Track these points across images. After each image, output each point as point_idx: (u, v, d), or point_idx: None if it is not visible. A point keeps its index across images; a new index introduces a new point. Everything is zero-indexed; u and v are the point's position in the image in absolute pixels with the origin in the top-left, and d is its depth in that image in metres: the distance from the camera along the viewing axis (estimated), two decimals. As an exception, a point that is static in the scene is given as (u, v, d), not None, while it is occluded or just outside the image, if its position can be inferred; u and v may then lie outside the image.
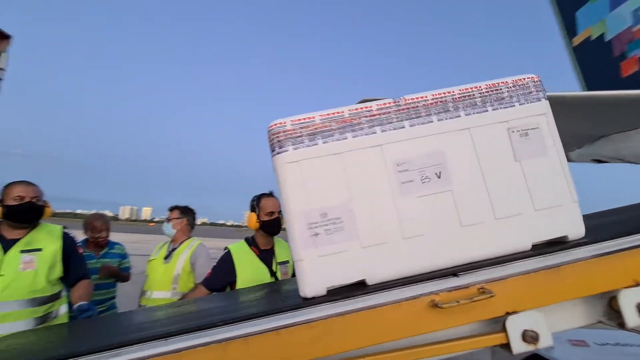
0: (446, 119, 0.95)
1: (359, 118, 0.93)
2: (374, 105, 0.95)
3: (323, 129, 0.91)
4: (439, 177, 0.92)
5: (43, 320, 1.64)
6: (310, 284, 0.86)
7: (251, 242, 1.98)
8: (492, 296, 0.77)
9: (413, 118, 0.94)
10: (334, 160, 0.90)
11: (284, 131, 0.90)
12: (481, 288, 0.80)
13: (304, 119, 0.92)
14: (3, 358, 0.98)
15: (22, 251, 1.63)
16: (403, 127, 0.94)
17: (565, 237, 0.93)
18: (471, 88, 0.97)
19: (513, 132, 0.95)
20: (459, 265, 0.90)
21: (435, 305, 0.78)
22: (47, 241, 1.72)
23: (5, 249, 1.61)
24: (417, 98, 0.96)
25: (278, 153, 0.90)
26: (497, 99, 0.97)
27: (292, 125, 0.91)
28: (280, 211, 1.93)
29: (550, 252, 0.88)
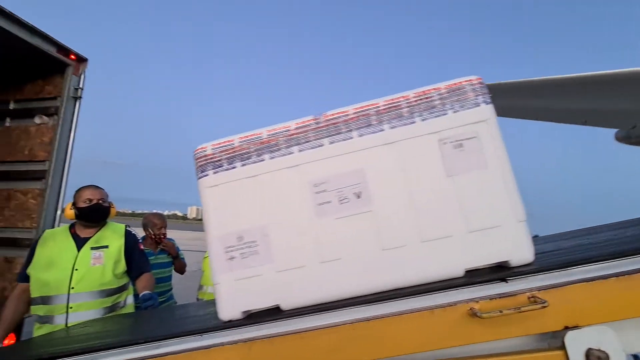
0: (368, 133, 0.87)
1: (277, 138, 0.91)
2: (292, 124, 0.91)
3: (241, 151, 0.91)
4: (359, 197, 0.85)
5: (112, 309, 1.87)
6: (226, 308, 0.88)
7: None
8: (545, 306, 0.68)
9: (333, 135, 0.88)
10: (250, 183, 0.90)
11: (205, 156, 0.93)
12: (532, 297, 0.71)
13: (224, 142, 0.93)
14: (78, 342, 1.08)
15: (92, 248, 1.93)
16: (322, 146, 0.88)
17: (506, 262, 0.81)
18: (398, 98, 0.87)
19: (445, 143, 0.84)
20: (379, 293, 0.82)
21: (474, 314, 0.71)
22: (112, 238, 1.99)
23: (79, 247, 1.92)
24: (337, 113, 0.90)
25: (200, 177, 0.93)
26: (427, 108, 0.86)
27: (212, 149, 0.93)
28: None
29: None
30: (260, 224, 0.89)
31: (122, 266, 1.95)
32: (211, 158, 0.93)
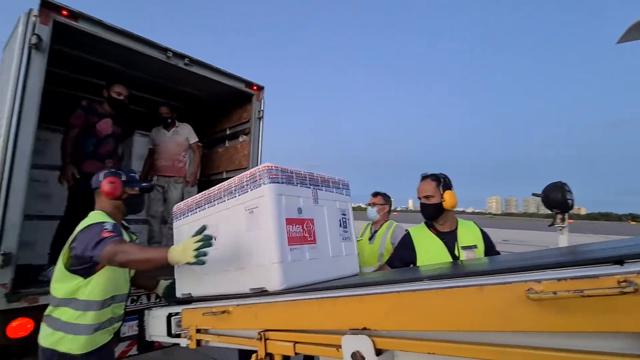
0: (218, 203, 1.54)
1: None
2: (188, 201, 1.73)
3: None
4: (216, 240, 1.39)
5: None
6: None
7: (430, 224, 1.97)
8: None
9: (211, 202, 1.59)
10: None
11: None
12: (624, 280, 0.53)
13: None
14: None
15: None
16: (205, 209, 1.61)
17: (263, 288, 1.26)
18: (229, 182, 1.51)
19: (246, 210, 1.38)
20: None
21: (533, 296, 0.58)
22: None
23: None
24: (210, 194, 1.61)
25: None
26: (241, 187, 1.43)
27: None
28: (428, 196, 1.84)
29: None
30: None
31: None
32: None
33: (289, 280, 1.23)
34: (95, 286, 1.54)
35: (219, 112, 4.32)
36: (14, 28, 2.42)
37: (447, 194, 1.82)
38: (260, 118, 3.68)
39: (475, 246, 1.85)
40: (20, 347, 2.18)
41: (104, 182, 1.72)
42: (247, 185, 1.37)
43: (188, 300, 1.66)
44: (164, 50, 2.90)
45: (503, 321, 0.58)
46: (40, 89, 2.28)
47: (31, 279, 2.49)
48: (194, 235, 1.28)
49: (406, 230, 2.08)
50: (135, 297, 2.68)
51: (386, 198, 2.91)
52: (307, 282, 1.30)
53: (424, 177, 1.92)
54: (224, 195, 1.48)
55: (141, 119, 4.49)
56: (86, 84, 3.64)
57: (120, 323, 1.76)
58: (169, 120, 3.79)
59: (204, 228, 1.31)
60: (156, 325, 1.67)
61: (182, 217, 1.73)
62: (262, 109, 3.70)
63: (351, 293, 0.87)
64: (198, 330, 1.29)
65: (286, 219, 1.31)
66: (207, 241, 1.25)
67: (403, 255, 1.98)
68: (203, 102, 4.21)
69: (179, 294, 1.60)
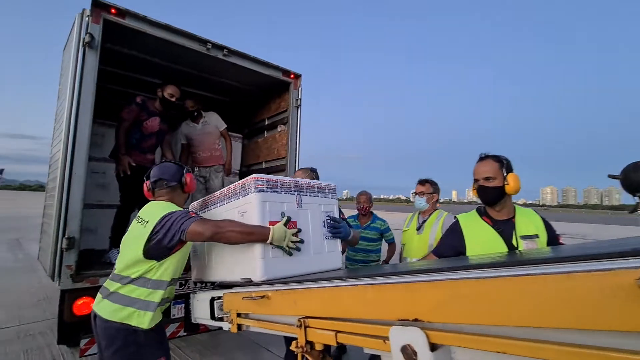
0: (220, 205, 1.83)
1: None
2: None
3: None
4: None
5: None
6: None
7: (482, 212, 1.79)
8: None
9: (215, 204, 1.88)
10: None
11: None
12: None
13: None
14: None
15: None
16: (210, 209, 1.92)
17: (249, 278, 1.48)
18: (228, 189, 1.75)
19: (239, 213, 1.63)
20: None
21: None
22: None
23: None
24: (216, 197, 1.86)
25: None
26: (236, 194, 1.68)
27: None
28: (489, 178, 1.66)
29: None
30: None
31: None
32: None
33: (268, 273, 1.46)
34: (167, 268, 1.64)
35: (257, 102, 4.36)
36: (71, 29, 2.60)
37: (511, 177, 1.62)
38: (297, 107, 3.65)
39: (536, 236, 1.64)
40: (86, 323, 2.38)
41: (188, 178, 1.86)
42: (239, 192, 1.64)
43: (230, 284, 1.68)
44: (204, 42, 2.95)
45: (601, 318, 0.46)
46: (94, 85, 2.42)
47: (93, 261, 2.71)
48: (285, 224, 1.56)
49: (455, 217, 1.92)
50: (183, 282, 2.80)
51: (434, 186, 2.72)
52: (287, 275, 1.52)
53: (484, 157, 1.73)
54: (224, 199, 1.75)
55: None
56: (133, 80, 3.85)
57: (170, 303, 1.82)
58: (196, 113, 3.82)
59: (289, 219, 1.60)
60: (201, 308, 1.71)
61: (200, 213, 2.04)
62: (299, 97, 3.66)
63: (398, 280, 0.78)
64: (239, 315, 1.28)
65: (269, 221, 1.53)
66: (301, 242, 1.59)
67: (451, 244, 1.83)
68: (241, 93, 4.27)
69: (193, 279, 1.98)
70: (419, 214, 2.75)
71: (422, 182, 2.76)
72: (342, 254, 2.38)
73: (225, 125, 3.95)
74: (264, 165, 4.23)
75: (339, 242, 1.88)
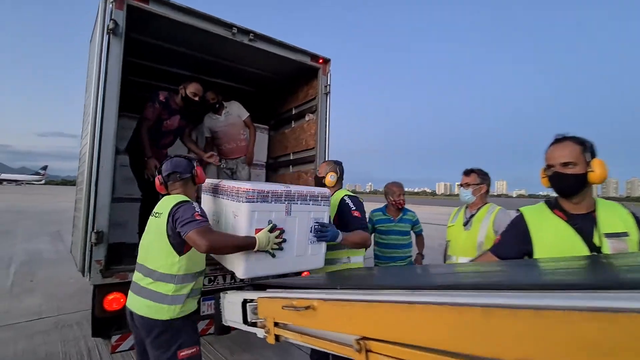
0: (222, 197, 2.04)
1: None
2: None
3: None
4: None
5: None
6: None
7: (554, 204, 1.50)
8: None
9: (218, 193, 2.09)
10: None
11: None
12: None
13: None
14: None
15: None
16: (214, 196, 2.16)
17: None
18: (229, 186, 1.95)
19: (232, 213, 1.87)
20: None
21: None
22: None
23: None
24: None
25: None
26: (231, 196, 1.91)
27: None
28: (568, 164, 1.36)
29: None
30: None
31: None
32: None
33: (249, 273, 1.75)
34: (189, 260, 1.75)
35: (283, 91, 4.19)
36: (95, 18, 2.52)
37: (597, 163, 1.33)
38: (327, 93, 3.43)
39: (625, 234, 1.35)
40: (117, 319, 2.33)
41: (199, 170, 1.97)
42: (234, 196, 1.83)
43: (263, 284, 1.53)
44: (229, 26, 2.80)
45: None
46: (119, 74, 2.33)
47: (122, 255, 2.66)
48: (269, 230, 1.75)
49: (517, 210, 1.64)
50: (212, 277, 2.71)
51: (482, 176, 2.42)
52: (268, 274, 1.84)
53: (562, 139, 1.42)
54: (228, 196, 1.91)
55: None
56: (157, 72, 3.79)
57: (200, 295, 1.91)
58: (217, 105, 3.67)
59: (274, 226, 1.78)
60: (232, 310, 1.56)
61: (206, 193, 2.29)
62: (328, 83, 3.44)
63: (523, 302, 0.53)
64: (276, 324, 1.10)
65: (256, 229, 1.74)
66: (284, 242, 1.82)
67: (514, 244, 1.57)
68: (267, 82, 4.11)
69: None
70: (466, 207, 2.47)
71: (467, 173, 2.48)
72: (360, 256, 2.34)
73: (248, 114, 3.80)
74: (291, 157, 4.06)
75: (323, 245, 2.07)
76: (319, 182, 2.49)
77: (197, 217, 1.65)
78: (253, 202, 1.73)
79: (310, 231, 1.97)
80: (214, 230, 1.71)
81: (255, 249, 1.69)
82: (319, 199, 2.03)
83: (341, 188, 2.47)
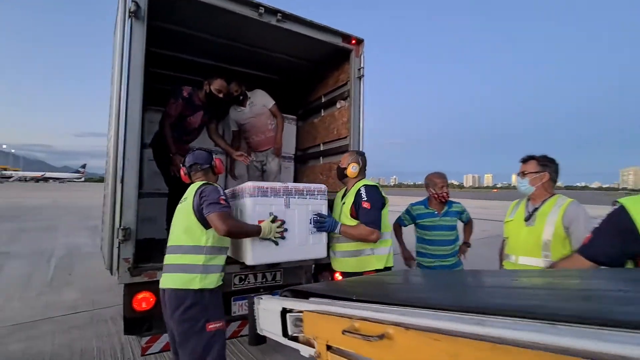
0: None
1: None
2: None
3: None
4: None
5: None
6: None
7: None
8: None
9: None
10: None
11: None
12: None
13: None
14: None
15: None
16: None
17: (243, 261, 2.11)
18: (237, 188, 2.31)
19: (238, 209, 2.22)
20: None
21: None
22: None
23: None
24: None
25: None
26: (237, 195, 2.30)
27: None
28: None
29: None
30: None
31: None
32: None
33: (256, 259, 2.08)
34: (215, 234, 1.87)
35: (312, 77, 3.95)
36: (117, 3, 2.39)
37: None
38: (360, 77, 3.15)
39: None
40: (147, 319, 2.23)
41: (217, 161, 2.16)
42: (239, 194, 2.21)
43: (303, 290, 1.30)
44: (256, 6, 2.58)
45: None
46: (142, 60, 2.19)
47: (151, 253, 2.55)
48: (271, 221, 2.07)
49: (615, 203, 1.31)
50: (242, 276, 2.55)
51: (544, 163, 2.04)
52: (274, 261, 2.20)
53: None
54: (239, 196, 2.22)
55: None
56: (180, 61, 3.65)
57: (224, 272, 1.98)
58: (242, 97, 3.46)
59: (275, 217, 2.10)
60: (268, 319, 1.36)
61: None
62: (362, 66, 3.15)
63: None
64: (329, 348, 0.88)
65: (258, 220, 2.06)
66: (285, 231, 2.13)
67: (617, 243, 1.25)
68: (294, 68, 3.87)
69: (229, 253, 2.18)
70: (528, 200, 2.13)
71: (524, 160, 2.12)
72: (385, 247, 2.36)
73: (274, 102, 3.57)
74: (321, 148, 3.83)
75: (324, 235, 2.32)
76: (341, 173, 2.52)
77: (222, 202, 1.84)
78: (255, 196, 2.07)
79: (310, 222, 2.24)
80: (232, 217, 1.91)
81: (260, 236, 2.00)
82: (316, 193, 2.30)
83: (364, 178, 2.51)
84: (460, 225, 3.06)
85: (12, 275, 5.31)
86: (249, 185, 2.09)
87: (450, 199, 2.94)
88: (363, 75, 3.14)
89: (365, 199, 2.26)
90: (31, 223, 10.86)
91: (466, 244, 3.12)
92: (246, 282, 2.58)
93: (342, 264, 2.41)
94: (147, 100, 2.39)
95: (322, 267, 2.88)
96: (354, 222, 2.30)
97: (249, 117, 3.56)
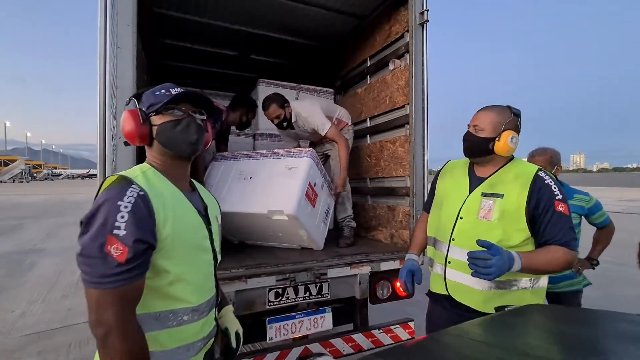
0: (262, 158, 2.45)
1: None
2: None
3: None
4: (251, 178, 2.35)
5: (501, 286, 1.30)
6: None
7: None
8: None
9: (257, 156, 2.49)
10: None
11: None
12: None
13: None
14: None
15: (484, 194, 1.34)
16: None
17: (281, 210, 2.10)
18: (277, 150, 2.44)
19: (285, 167, 2.29)
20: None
21: None
22: (513, 185, 1.30)
23: (472, 188, 1.39)
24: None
25: None
26: (287, 154, 2.38)
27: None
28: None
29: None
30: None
31: (523, 229, 1.26)
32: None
33: (297, 211, 2.10)
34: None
35: (354, 37, 3.19)
36: None
37: None
38: (423, 24, 2.36)
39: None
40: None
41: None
42: (292, 154, 2.35)
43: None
44: None
45: None
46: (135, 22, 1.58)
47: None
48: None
49: None
50: (279, 290, 1.93)
51: None
52: (303, 222, 2.16)
53: None
54: (270, 156, 2.41)
55: (264, 67, 3.82)
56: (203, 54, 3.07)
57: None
58: (285, 123, 2.67)
59: None
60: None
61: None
62: (425, 8, 2.36)
63: None
64: None
65: (309, 182, 2.24)
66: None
67: None
68: (334, 30, 3.15)
69: None
70: None
71: None
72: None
73: (330, 124, 2.60)
74: (368, 124, 3.07)
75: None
76: (484, 145, 1.35)
77: (107, 251, 0.75)
78: (314, 162, 2.34)
79: (326, 215, 2.45)
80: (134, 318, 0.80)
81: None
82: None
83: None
84: (587, 229, 2.15)
85: (42, 275, 5.13)
86: (309, 149, 2.38)
87: (568, 185, 2.10)
88: (427, 20, 2.34)
89: (560, 196, 1.28)
90: (70, 218, 11.08)
91: (590, 259, 2.16)
92: (284, 298, 1.95)
93: (467, 296, 1.37)
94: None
95: (380, 276, 2.20)
96: (522, 237, 1.29)
97: (304, 134, 2.89)
